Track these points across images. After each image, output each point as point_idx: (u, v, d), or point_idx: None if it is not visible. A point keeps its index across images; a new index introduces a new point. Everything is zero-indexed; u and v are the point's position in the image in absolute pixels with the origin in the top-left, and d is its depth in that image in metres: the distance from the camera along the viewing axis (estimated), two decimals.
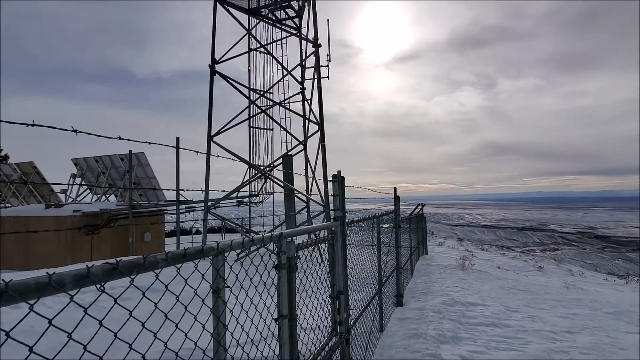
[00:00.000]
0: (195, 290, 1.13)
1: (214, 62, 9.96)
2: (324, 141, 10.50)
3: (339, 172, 2.63)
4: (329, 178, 2.86)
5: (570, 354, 3.74)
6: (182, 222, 14.02)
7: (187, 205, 11.42)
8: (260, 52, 11.22)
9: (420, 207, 9.49)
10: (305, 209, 10.87)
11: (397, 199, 5.73)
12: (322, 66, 10.71)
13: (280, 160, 9.85)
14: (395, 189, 5.73)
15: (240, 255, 5.92)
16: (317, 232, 2.48)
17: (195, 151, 2.31)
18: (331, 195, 2.69)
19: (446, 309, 5.03)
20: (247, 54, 11.10)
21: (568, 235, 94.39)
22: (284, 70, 10.97)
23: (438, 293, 6.06)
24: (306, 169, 11.37)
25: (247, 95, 10.82)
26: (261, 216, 12.10)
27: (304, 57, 11.66)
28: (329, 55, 10.94)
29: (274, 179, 10.40)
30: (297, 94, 11.66)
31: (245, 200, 11.69)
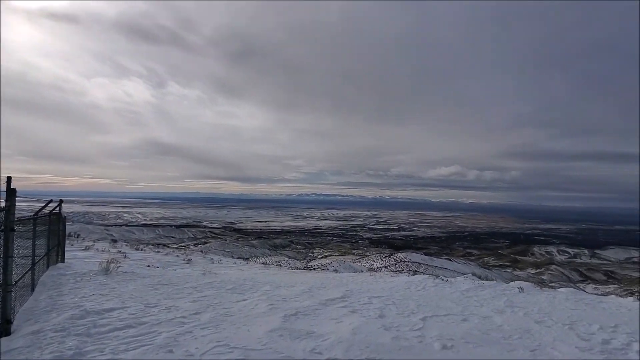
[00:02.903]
0: None
1: None
2: None
3: None
4: None
5: (194, 332, 4.29)
6: None
7: None
8: None
9: (55, 204, 7.65)
10: None
11: (11, 192, 4.22)
12: None
13: None
14: (9, 179, 4.20)
15: None
16: None
17: None
18: None
19: (73, 324, 4.28)
20: None
21: (215, 230, 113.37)
22: None
23: (67, 307, 5.07)
24: None
25: None
26: None
27: None
28: None
29: None
30: None
31: None
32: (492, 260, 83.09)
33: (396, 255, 48.37)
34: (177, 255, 16.77)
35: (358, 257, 50.83)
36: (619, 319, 6.00)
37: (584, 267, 78.01)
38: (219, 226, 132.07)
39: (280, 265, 17.95)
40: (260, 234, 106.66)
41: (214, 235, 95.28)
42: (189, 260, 15.10)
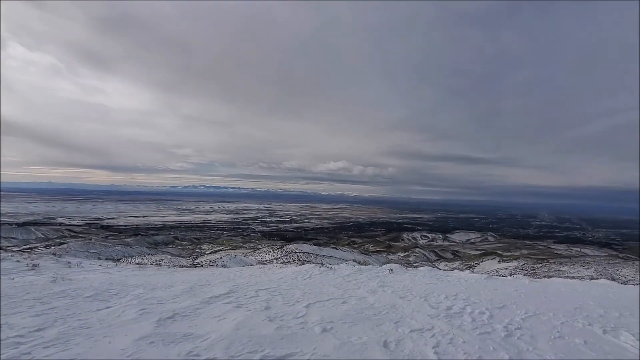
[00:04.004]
0: None
1: None
2: None
3: None
4: None
5: (33, 353, 3.47)
6: None
7: None
8: None
9: None
10: None
11: None
12: None
13: None
14: None
15: None
16: None
17: None
18: None
19: None
20: None
21: (75, 228, 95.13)
22: None
23: None
24: None
25: None
26: None
27: None
28: None
29: None
30: None
31: None
32: (372, 246, 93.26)
33: (288, 246, 49.59)
34: (18, 261, 13.40)
35: (250, 251, 50.17)
36: (459, 288, 7.44)
37: (438, 248, 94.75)
38: (81, 223, 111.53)
39: (160, 265, 16.27)
40: (136, 231, 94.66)
41: (73, 234, 79.85)
42: (35, 265, 12.23)
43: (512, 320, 4.98)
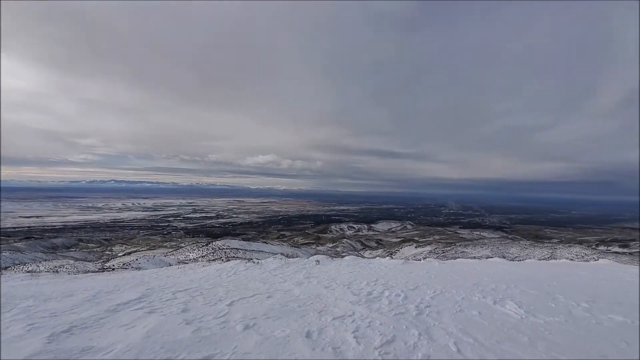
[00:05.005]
0: None
1: None
2: None
3: None
4: None
5: None
6: None
7: None
8: None
9: None
10: None
11: None
12: None
13: None
14: None
15: None
16: None
17: None
18: None
19: None
20: None
21: None
22: None
23: None
24: None
25: None
26: None
27: None
28: None
29: None
30: None
31: None
32: (301, 239, 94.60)
33: (214, 243, 47.41)
34: None
35: (171, 250, 46.68)
36: (379, 274, 7.94)
37: (364, 238, 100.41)
38: None
39: (57, 272, 14.20)
40: (29, 234, 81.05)
41: None
42: None
43: (423, 299, 5.48)
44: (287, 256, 13.01)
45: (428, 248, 58.95)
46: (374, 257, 15.17)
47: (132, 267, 23.89)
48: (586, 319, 4.59)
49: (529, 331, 4.07)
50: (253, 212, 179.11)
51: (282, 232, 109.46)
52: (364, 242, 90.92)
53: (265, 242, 57.01)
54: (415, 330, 4.04)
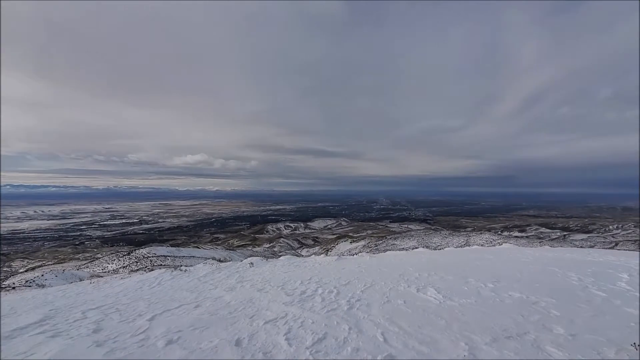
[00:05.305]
0: None
1: None
2: None
3: None
4: None
5: None
6: None
7: None
8: None
9: None
10: None
11: None
12: None
13: None
14: None
15: None
16: None
17: None
18: None
19: None
20: None
21: None
22: None
23: None
24: None
25: None
26: None
27: None
28: None
29: None
30: None
31: None
32: (237, 241, 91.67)
33: (137, 252, 43.31)
34: None
35: (85, 262, 41.41)
36: (313, 272, 8.02)
37: (301, 236, 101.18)
38: None
39: None
40: None
41: None
42: None
43: (354, 294, 5.66)
44: (220, 260, 12.43)
45: (362, 243, 61.78)
46: (310, 255, 15.39)
47: (36, 285, 20.60)
48: (492, 297, 5.20)
49: (445, 314, 4.46)
50: (182, 216, 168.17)
51: (215, 235, 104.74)
52: (300, 240, 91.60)
53: (197, 247, 54.02)
54: (345, 325, 4.14)
